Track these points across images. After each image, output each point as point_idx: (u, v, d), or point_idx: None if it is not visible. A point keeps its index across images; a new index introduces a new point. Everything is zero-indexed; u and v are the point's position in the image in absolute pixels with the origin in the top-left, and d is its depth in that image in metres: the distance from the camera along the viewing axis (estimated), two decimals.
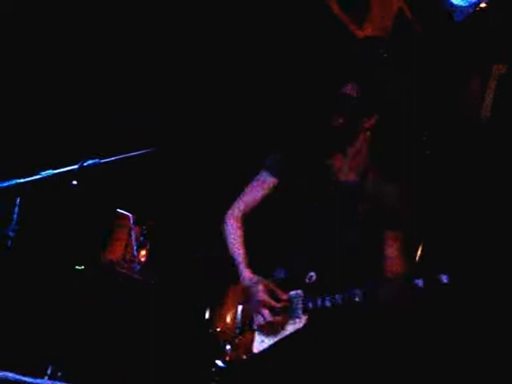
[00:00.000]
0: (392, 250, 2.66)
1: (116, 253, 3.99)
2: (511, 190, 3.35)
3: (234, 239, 2.70)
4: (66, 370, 3.15)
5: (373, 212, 2.65)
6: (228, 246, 2.70)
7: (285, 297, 2.46)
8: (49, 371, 3.26)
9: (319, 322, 2.43)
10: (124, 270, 3.73)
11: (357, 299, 2.35)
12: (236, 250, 2.67)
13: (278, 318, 2.44)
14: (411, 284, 2.29)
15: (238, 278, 2.60)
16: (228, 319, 2.64)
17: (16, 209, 3.10)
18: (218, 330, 2.65)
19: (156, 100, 4.26)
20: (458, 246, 3.31)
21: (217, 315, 2.68)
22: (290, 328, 2.45)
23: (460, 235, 3.35)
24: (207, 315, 2.69)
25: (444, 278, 2.24)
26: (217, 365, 2.54)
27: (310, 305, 2.43)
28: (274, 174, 2.75)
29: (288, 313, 2.46)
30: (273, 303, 2.44)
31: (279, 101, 4.08)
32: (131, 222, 3.97)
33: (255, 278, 2.53)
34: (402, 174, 2.87)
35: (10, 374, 1.86)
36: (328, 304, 2.39)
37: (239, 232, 2.72)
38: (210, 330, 2.66)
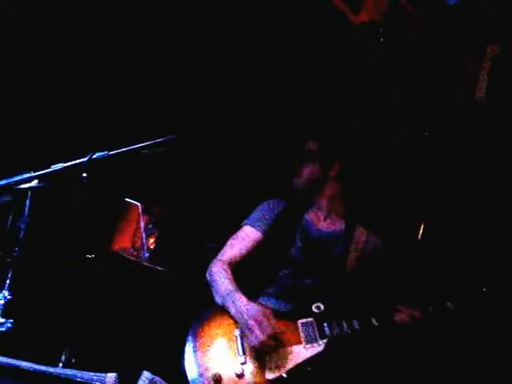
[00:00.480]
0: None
1: (125, 241, 4.05)
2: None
3: (224, 277, 2.67)
4: (79, 357, 3.22)
5: (360, 258, 2.79)
6: (219, 290, 2.63)
7: (294, 328, 2.51)
8: (63, 358, 3.34)
9: (339, 345, 2.50)
10: (133, 258, 3.79)
11: (374, 323, 2.49)
12: (226, 283, 2.63)
13: (278, 346, 2.44)
14: (424, 310, 2.47)
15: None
16: (226, 352, 2.51)
17: (27, 202, 3.16)
18: (215, 366, 2.48)
19: (164, 89, 4.29)
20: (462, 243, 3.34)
21: (210, 352, 2.52)
22: (308, 353, 2.47)
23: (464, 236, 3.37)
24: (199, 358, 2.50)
25: (451, 306, 2.41)
26: None
27: (327, 330, 2.51)
28: (258, 230, 2.83)
29: (301, 338, 2.50)
30: (280, 331, 2.45)
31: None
32: (140, 210, 4.02)
33: (256, 305, 2.52)
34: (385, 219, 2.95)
35: (24, 363, 1.90)
36: (346, 329, 2.49)
37: (227, 272, 2.70)
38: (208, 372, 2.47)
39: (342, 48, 3.72)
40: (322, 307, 2.55)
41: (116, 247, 4.03)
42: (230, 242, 2.86)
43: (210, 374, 2.44)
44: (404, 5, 3.44)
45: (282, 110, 3.93)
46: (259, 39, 3.97)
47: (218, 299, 2.64)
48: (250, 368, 2.46)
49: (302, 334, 2.51)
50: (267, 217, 2.86)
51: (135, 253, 3.91)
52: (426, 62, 3.46)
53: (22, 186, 3.09)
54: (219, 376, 2.43)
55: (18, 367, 1.86)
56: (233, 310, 2.52)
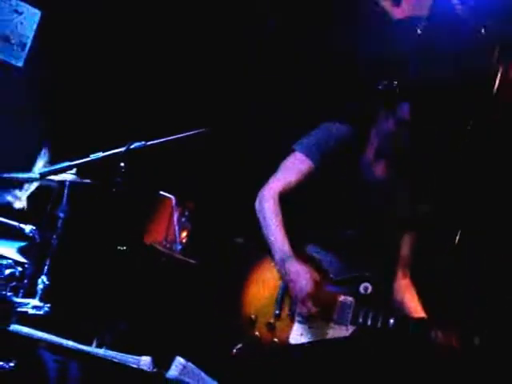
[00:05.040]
0: (406, 249, 2.69)
1: (158, 233, 4.11)
2: None
3: (276, 224, 2.55)
4: (115, 340, 3.30)
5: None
6: (267, 229, 2.56)
7: (333, 302, 2.44)
8: (94, 345, 3.41)
9: (365, 338, 2.43)
10: (166, 250, 3.86)
11: (410, 330, 2.37)
12: (278, 235, 2.53)
13: (323, 316, 2.42)
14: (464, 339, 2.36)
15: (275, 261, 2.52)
16: (266, 298, 2.57)
17: (66, 191, 3.26)
18: (254, 305, 2.58)
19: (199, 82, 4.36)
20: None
21: (254, 291, 2.61)
22: (335, 333, 2.44)
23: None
24: (242, 291, 2.63)
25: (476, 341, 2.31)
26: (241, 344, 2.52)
27: (361, 318, 2.42)
28: (310, 159, 2.61)
29: (333, 316, 2.45)
30: (321, 301, 2.40)
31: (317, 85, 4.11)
32: (173, 203, 4.08)
33: (305, 267, 2.44)
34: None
35: (64, 340, 1.95)
36: (379, 324, 2.39)
37: (280, 216, 2.57)
38: (243, 306, 2.59)
39: None
40: (370, 289, 2.45)
41: (149, 240, 4.10)
42: (280, 170, 2.66)
43: (247, 311, 2.55)
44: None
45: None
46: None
47: (268, 243, 2.58)
48: (280, 324, 2.50)
49: (336, 312, 2.45)
50: (323, 144, 2.61)
51: (168, 245, 3.98)
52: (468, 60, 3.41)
53: (62, 177, 3.19)
54: (255, 318, 2.53)
55: (58, 343, 1.92)
56: (282, 271, 2.49)
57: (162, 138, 2.97)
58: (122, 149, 2.82)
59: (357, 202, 2.61)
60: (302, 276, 2.41)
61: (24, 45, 4.31)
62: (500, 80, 3.43)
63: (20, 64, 4.27)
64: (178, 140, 3.03)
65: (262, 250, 2.60)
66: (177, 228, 4.02)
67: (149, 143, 2.89)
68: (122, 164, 2.90)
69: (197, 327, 3.11)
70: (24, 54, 4.31)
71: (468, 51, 3.44)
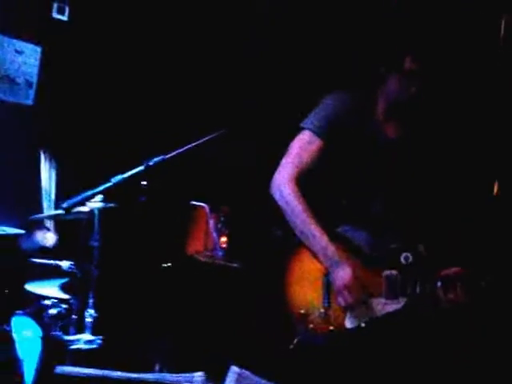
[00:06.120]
0: None
1: (197, 244, 4.08)
2: None
3: (304, 210, 2.48)
4: (171, 365, 3.26)
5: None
6: (295, 217, 2.49)
7: (378, 279, 2.42)
8: (156, 368, 3.38)
9: (418, 306, 2.41)
10: (208, 259, 3.82)
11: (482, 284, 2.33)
12: (311, 224, 2.46)
13: (364, 301, 2.41)
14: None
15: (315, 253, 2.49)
16: (312, 289, 2.53)
17: (95, 219, 3.22)
18: (301, 299, 2.54)
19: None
20: None
21: (298, 285, 2.56)
22: (388, 308, 2.43)
23: None
24: (287, 287, 2.59)
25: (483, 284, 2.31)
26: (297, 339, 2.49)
27: (409, 288, 2.40)
28: (319, 136, 2.53)
29: (382, 292, 2.43)
30: (359, 291, 2.40)
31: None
32: (207, 211, 4.04)
33: (342, 258, 2.43)
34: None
35: (113, 373, 1.90)
36: (428, 289, 2.38)
37: (305, 203, 2.50)
38: (291, 302, 2.55)
39: None
40: (410, 258, 2.43)
41: (190, 251, 4.07)
42: (291, 151, 2.57)
43: (296, 306, 2.51)
44: None
45: None
46: None
47: (296, 232, 2.53)
48: (333, 312, 2.47)
49: (384, 287, 2.43)
50: (330, 117, 2.54)
51: (209, 253, 3.94)
52: None
53: (88, 205, 3.15)
54: (305, 311, 2.48)
55: (108, 377, 1.87)
56: (321, 258, 2.47)
57: (180, 147, 2.92)
58: (141, 167, 2.78)
59: (374, 168, 2.55)
60: (343, 270, 2.40)
61: (31, 83, 4.32)
62: (504, 29, 3.31)
63: (30, 102, 4.28)
64: (197, 147, 2.97)
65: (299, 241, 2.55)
66: (215, 235, 3.98)
67: (167, 156, 2.84)
68: (144, 182, 2.87)
69: (248, 332, 3.07)
70: (32, 92, 4.32)
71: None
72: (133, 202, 3.05)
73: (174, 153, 2.86)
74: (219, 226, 4.03)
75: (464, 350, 2.73)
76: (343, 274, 2.40)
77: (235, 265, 3.76)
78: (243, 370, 1.84)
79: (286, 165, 2.56)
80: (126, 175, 2.78)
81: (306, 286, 2.54)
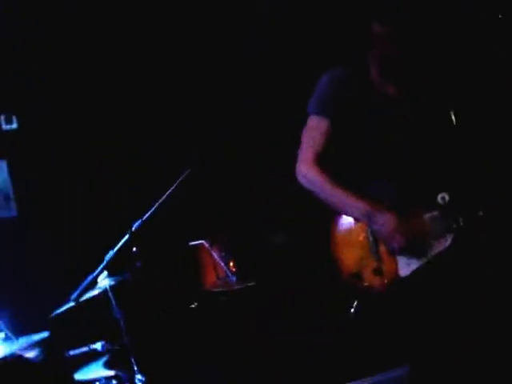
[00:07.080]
0: None
1: (211, 277, 4.25)
2: None
3: (333, 186, 2.56)
4: None
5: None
6: (328, 195, 2.58)
7: (420, 223, 2.46)
8: None
9: (466, 239, 2.45)
10: (223, 288, 3.98)
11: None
12: (342, 195, 2.55)
13: (416, 241, 2.44)
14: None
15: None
16: (359, 249, 2.58)
17: (109, 294, 3.41)
18: (351, 262, 2.58)
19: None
20: None
21: (344, 250, 2.62)
22: (437, 247, 2.46)
23: None
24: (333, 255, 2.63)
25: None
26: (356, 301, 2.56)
27: (454, 224, 2.44)
28: (325, 115, 2.63)
29: (428, 234, 2.46)
30: (408, 232, 2.43)
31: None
32: (207, 245, 4.21)
33: (376, 207, 2.48)
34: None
35: None
36: (473, 221, 2.41)
37: (331, 179, 2.58)
38: (341, 268, 2.60)
39: None
40: (447, 197, 2.47)
41: (207, 287, 4.23)
42: (304, 139, 2.68)
43: (347, 269, 2.59)
44: None
45: None
46: None
47: (333, 208, 2.62)
48: (385, 266, 2.53)
49: (429, 229, 2.47)
50: (330, 94, 2.64)
51: (223, 283, 4.10)
52: None
53: (97, 286, 3.34)
54: (357, 271, 2.56)
55: None
56: (362, 218, 2.54)
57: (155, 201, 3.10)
58: (126, 236, 2.98)
59: (385, 126, 2.62)
60: (384, 219, 2.45)
61: (8, 196, 4.48)
62: None
63: (14, 214, 4.45)
64: (170, 195, 3.15)
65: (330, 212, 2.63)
66: (222, 264, 4.14)
67: (145, 217, 3.04)
68: (135, 249, 3.06)
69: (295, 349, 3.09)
70: (13, 203, 4.48)
71: None
72: (132, 270, 3.22)
73: (149, 212, 3.07)
74: (223, 254, 4.19)
75: None
76: (387, 220, 2.45)
77: (251, 283, 3.92)
78: None
79: (303, 152, 2.65)
80: (115, 249, 2.99)
81: (352, 247, 2.60)
